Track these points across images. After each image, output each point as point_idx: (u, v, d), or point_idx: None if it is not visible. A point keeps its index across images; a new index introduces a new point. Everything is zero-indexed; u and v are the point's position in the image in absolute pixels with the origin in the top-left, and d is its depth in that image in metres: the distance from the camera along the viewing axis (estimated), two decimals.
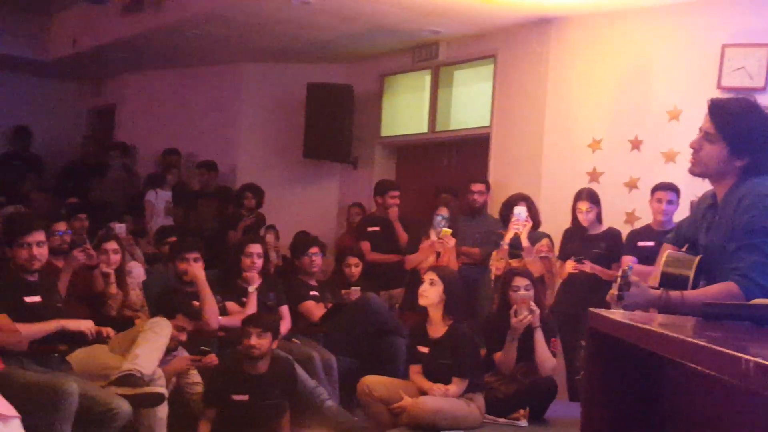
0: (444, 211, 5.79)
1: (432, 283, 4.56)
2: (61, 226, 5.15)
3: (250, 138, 8.71)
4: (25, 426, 3.21)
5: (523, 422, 4.43)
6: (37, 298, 4.05)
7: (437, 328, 4.58)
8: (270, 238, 6.90)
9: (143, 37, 7.96)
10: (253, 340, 4.28)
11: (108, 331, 4.10)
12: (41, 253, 4.04)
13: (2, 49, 9.12)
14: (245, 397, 4.27)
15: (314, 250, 5.79)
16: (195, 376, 4.49)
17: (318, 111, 8.04)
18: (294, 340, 5.22)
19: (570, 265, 5.35)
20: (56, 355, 3.97)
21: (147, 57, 8.78)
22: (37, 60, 9.41)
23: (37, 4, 8.85)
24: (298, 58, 8.31)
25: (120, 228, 5.69)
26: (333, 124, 7.99)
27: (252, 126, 8.71)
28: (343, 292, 5.75)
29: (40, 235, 4.05)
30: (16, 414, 3.18)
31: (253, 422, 4.29)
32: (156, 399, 3.92)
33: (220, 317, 4.93)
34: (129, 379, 3.84)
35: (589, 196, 5.56)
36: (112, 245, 4.99)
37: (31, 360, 3.83)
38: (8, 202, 7.52)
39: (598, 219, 5.59)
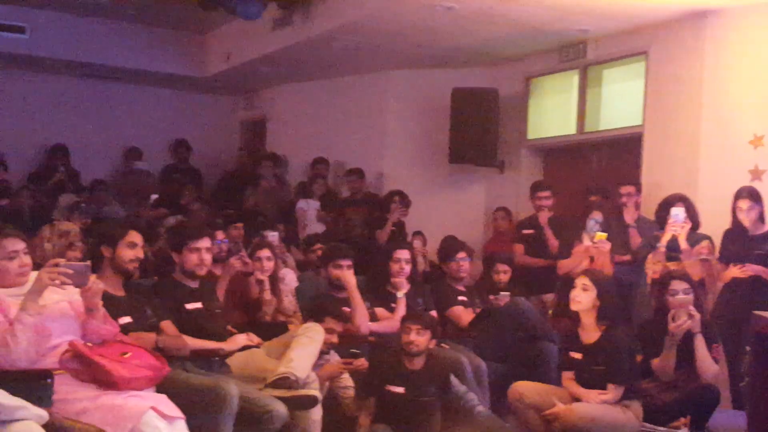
0: (597, 215, 5.67)
1: (585, 289, 4.47)
2: (219, 235, 5.38)
3: (397, 144, 8.82)
4: (189, 426, 3.36)
5: (684, 431, 4.26)
6: (198, 305, 4.25)
7: (590, 333, 4.48)
8: (417, 243, 6.95)
9: (292, 49, 8.22)
10: (413, 337, 4.34)
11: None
12: (208, 258, 4.27)
13: (162, 66, 9.68)
14: (401, 390, 4.32)
15: (462, 255, 5.78)
16: (347, 380, 4.58)
17: (463, 115, 8.03)
18: (443, 345, 5.23)
19: (734, 272, 5.11)
20: (217, 358, 4.15)
21: (296, 69, 9.07)
22: (194, 76, 9.92)
23: (193, 23, 9.33)
24: (442, 64, 8.33)
25: (273, 236, 5.87)
26: (478, 128, 7.96)
27: (398, 132, 8.81)
28: (491, 297, 5.71)
29: (207, 242, 4.29)
30: (181, 415, 3.33)
31: (407, 416, 4.32)
32: (310, 401, 4.01)
33: (369, 323, 5.01)
34: (284, 382, 3.96)
35: (750, 194, 5.28)
36: (265, 253, 5.15)
37: (193, 363, 4.02)
38: (169, 213, 7.93)
39: (761, 218, 5.30)
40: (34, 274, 3.40)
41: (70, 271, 3.27)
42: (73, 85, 9.99)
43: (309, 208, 8.19)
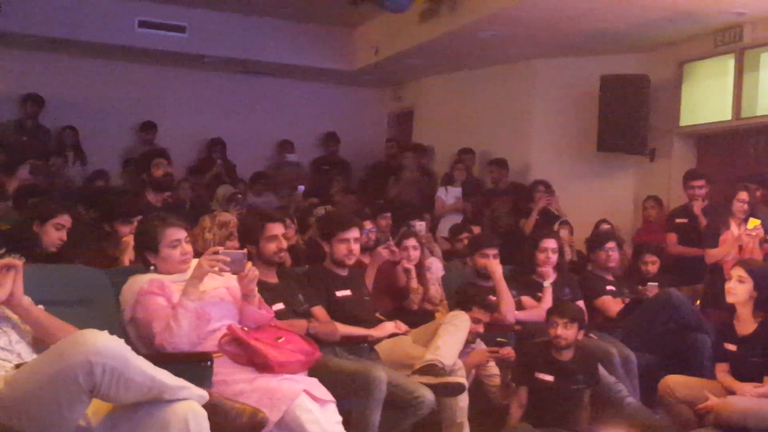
0: (743, 196, 5.40)
1: (741, 280, 4.27)
2: (367, 225, 5.48)
3: (543, 133, 8.69)
4: (339, 410, 3.42)
5: None
6: (347, 292, 4.35)
7: (746, 325, 4.28)
8: (564, 233, 6.84)
9: (439, 41, 8.25)
10: (560, 330, 4.28)
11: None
12: (357, 248, 4.37)
13: (313, 61, 9.93)
14: (551, 378, 4.29)
15: (611, 244, 5.65)
16: (493, 368, 4.58)
17: (612, 103, 7.82)
18: (591, 335, 5.13)
19: None
20: (366, 345, 4.25)
21: (443, 60, 9.09)
22: (343, 70, 10.12)
23: (342, 18, 9.52)
24: (590, 51, 8.14)
25: (420, 226, 5.92)
26: (628, 115, 7.73)
27: (544, 122, 8.68)
28: (639, 288, 5.56)
29: (355, 232, 4.38)
30: (332, 398, 3.42)
31: (557, 405, 4.28)
32: (457, 389, 4.03)
33: (516, 312, 4.98)
34: (431, 369, 3.99)
35: None
36: (412, 242, 5.19)
37: (343, 349, 4.12)
38: (318, 203, 8.15)
39: None
40: (194, 262, 3.56)
41: (228, 259, 3.41)
42: (229, 82, 10.41)
43: (448, 196, 8.21)
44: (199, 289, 3.42)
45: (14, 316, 2.85)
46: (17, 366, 2.65)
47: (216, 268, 3.40)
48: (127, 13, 9.10)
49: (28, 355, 2.78)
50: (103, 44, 9.17)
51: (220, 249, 3.49)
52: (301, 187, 8.99)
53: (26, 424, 2.41)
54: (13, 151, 8.14)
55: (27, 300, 2.84)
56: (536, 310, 5.01)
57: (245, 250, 3.61)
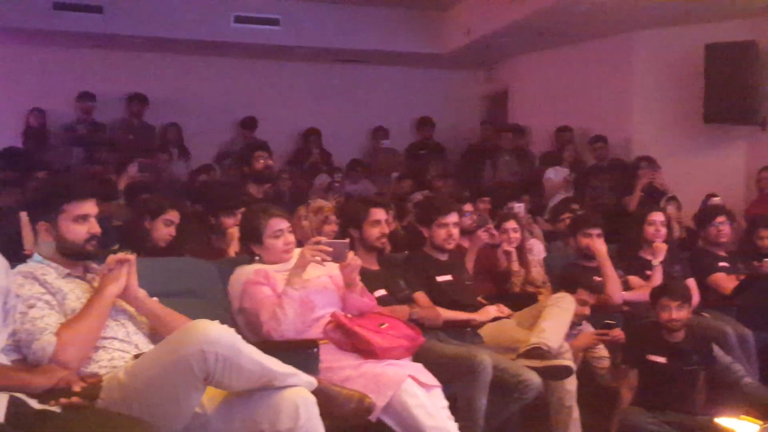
0: None
1: None
2: (466, 208, 5.45)
3: (644, 108, 8.44)
4: (445, 395, 3.43)
5: None
6: (448, 277, 4.33)
7: None
8: (671, 209, 6.63)
9: (533, 18, 8.11)
10: (674, 314, 4.15)
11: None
12: (456, 233, 4.35)
13: (405, 46, 9.91)
14: (663, 359, 4.17)
15: (721, 219, 5.45)
16: (601, 350, 4.48)
17: (719, 72, 7.53)
18: (704, 314, 4.96)
19: None
20: (469, 329, 4.22)
21: (536, 38, 8.93)
22: (435, 53, 10.06)
23: (431, 1, 9.47)
24: (693, 19, 7.84)
25: (519, 207, 5.85)
26: (736, 84, 7.43)
27: (645, 95, 8.43)
28: (755, 263, 5.33)
29: (454, 217, 4.35)
30: (438, 383, 3.42)
31: (671, 387, 4.16)
32: (564, 372, 3.97)
33: (623, 292, 4.86)
34: (537, 352, 3.93)
35: None
36: (511, 224, 5.14)
37: (446, 333, 4.11)
38: (416, 188, 8.14)
39: None
40: (297, 251, 3.63)
41: (330, 249, 3.45)
42: (322, 71, 10.49)
43: (557, 176, 8.07)
44: (303, 278, 3.47)
45: (130, 309, 2.96)
46: (136, 356, 2.75)
47: (318, 258, 3.43)
48: (223, 9, 9.28)
49: (144, 345, 2.88)
50: (202, 41, 9.39)
51: (323, 239, 3.52)
52: (395, 174, 9.00)
53: (146, 411, 2.50)
54: (122, 149, 8.45)
55: (142, 292, 2.96)
56: (645, 289, 4.87)
57: (347, 240, 3.64)
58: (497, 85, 10.73)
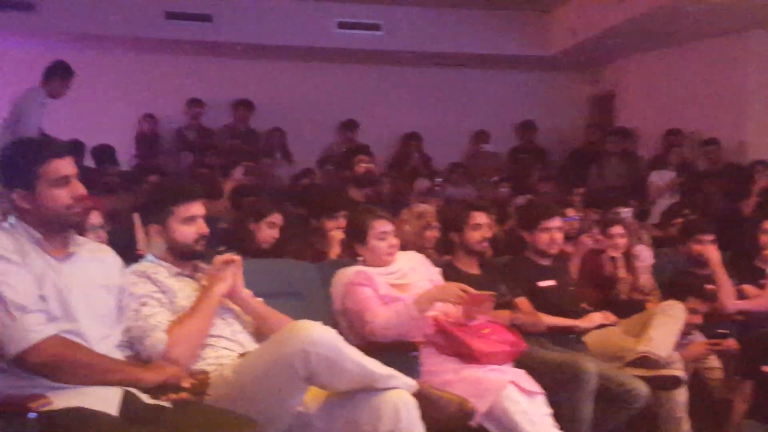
0: None
1: None
2: (570, 213, 5.35)
3: (760, 110, 8.10)
4: (549, 403, 3.38)
5: None
6: (551, 283, 4.25)
7: None
8: None
9: (642, 19, 7.91)
10: None
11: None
12: (560, 237, 4.27)
13: (508, 49, 9.82)
14: None
15: None
16: (713, 361, 4.33)
17: None
18: None
19: None
20: (572, 336, 4.13)
21: (645, 39, 8.71)
22: (539, 55, 9.92)
23: (536, 3, 9.36)
24: None
25: (626, 212, 5.70)
26: None
27: (762, 97, 8.09)
28: None
29: (558, 221, 4.28)
30: (540, 390, 3.37)
31: None
32: (673, 382, 3.85)
33: (737, 301, 4.67)
34: (645, 361, 3.83)
35: None
36: (617, 230, 4.99)
37: (549, 340, 4.03)
38: (517, 193, 8.04)
39: None
40: (400, 255, 3.66)
41: (476, 299, 3.43)
42: (423, 75, 10.49)
43: (662, 180, 7.83)
44: (429, 305, 3.45)
45: (236, 308, 3.03)
46: (241, 355, 2.82)
47: (457, 303, 3.43)
48: (326, 15, 9.41)
49: (249, 344, 2.94)
50: (306, 47, 9.55)
51: (470, 290, 3.45)
52: (494, 178, 8.92)
53: (251, 408, 2.54)
54: (228, 154, 8.67)
55: (247, 292, 3.02)
56: (760, 299, 4.67)
57: (493, 293, 3.59)
58: (603, 86, 10.51)
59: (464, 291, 3.40)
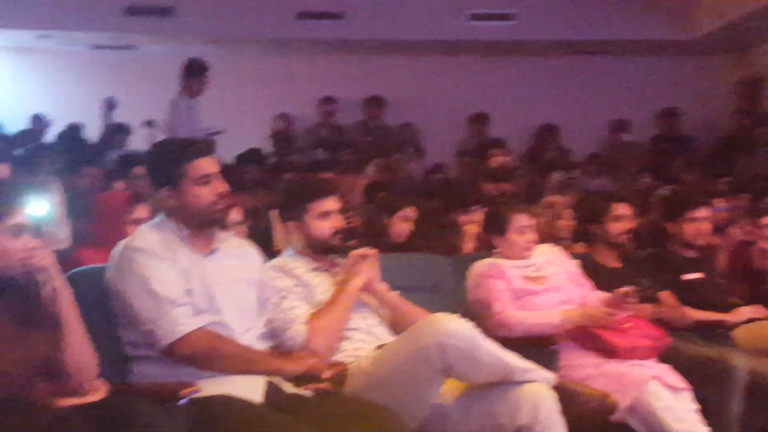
0: None
1: None
2: (719, 203, 5.14)
3: None
4: (695, 399, 3.27)
5: None
6: (697, 276, 4.10)
7: None
8: None
9: None
10: None
11: None
12: (706, 228, 4.12)
13: (647, 33, 9.49)
14: None
15: None
16: None
17: None
18: None
19: None
20: (720, 330, 3.97)
21: None
22: (682, 39, 9.55)
23: None
24: None
25: None
26: None
27: None
28: None
29: (705, 211, 4.12)
30: (686, 386, 3.26)
31: None
32: None
33: None
34: None
35: None
36: None
37: (695, 334, 3.89)
38: (659, 183, 7.77)
39: None
40: (536, 247, 3.62)
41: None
42: (558, 65, 10.28)
43: None
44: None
45: (373, 302, 3.08)
46: (378, 347, 2.87)
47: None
48: (459, 8, 9.38)
49: (386, 337, 2.99)
50: (438, 41, 9.57)
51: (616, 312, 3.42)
52: (635, 168, 8.65)
53: (388, 399, 2.58)
54: (360, 150, 8.80)
55: (383, 286, 3.06)
56: None
57: (633, 289, 3.50)
58: (751, 70, 10.00)
59: (611, 314, 3.36)
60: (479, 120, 9.79)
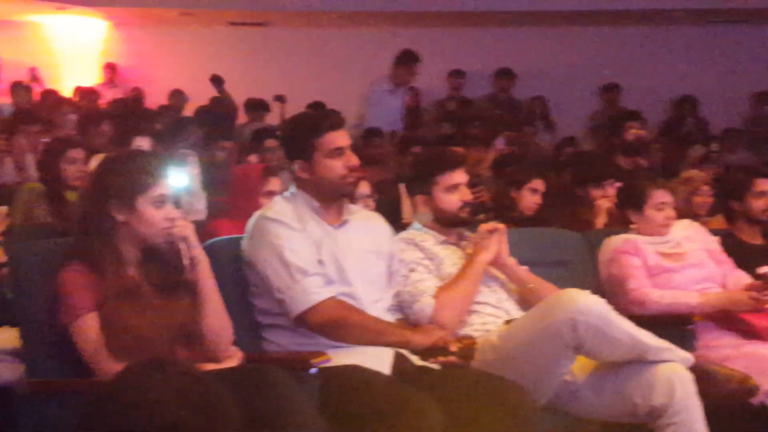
0: None
1: None
2: None
3: None
4: None
5: None
6: None
7: None
8: None
9: None
10: None
11: None
12: None
13: None
14: None
15: None
16: None
17: None
18: None
19: None
20: None
21: None
22: None
23: None
24: None
25: None
26: None
27: None
28: None
29: None
30: None
31: None
32: None
33: None
34: None
35: None
36: None
37: None
38: None
39: None
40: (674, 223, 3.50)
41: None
42: (697, 33, 9.90)
43: None
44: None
45: (502, 276, 3.06)
46: (507, 322, 2.84)
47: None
48: None
49: (515, 312, 2.96)
50: (566, 12, 9.33)
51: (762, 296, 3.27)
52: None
53: (518, 374, 2.55)
54: (489, 124, 8.70)
55: (512, 261, 3.03)
56: None
57: None
58: None
59: (759, 300, 3.22)
60: (612, 91, 9.51)
